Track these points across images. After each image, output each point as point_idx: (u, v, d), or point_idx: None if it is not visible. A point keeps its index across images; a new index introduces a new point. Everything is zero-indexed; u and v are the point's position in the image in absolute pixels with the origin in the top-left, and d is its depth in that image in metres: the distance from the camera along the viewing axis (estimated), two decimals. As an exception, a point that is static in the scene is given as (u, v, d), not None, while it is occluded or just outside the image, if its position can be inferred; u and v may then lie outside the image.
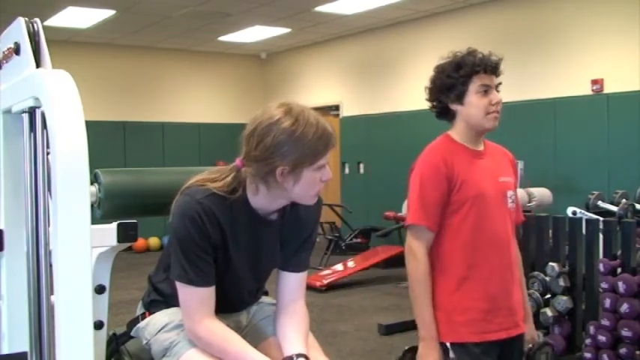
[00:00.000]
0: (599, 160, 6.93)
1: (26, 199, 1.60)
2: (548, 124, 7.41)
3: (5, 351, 1.81)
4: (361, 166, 9.95)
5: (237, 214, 1.75)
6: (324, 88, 10.63)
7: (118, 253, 2.03)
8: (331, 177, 1.74)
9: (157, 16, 8.58)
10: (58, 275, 1.41)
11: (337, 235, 8.70)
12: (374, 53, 9.72)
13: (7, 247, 1.81)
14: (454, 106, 2.27)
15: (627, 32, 6.69)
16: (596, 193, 5.02)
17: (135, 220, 1.96)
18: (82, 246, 1.42)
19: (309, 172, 1.69)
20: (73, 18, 8.50)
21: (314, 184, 1.72)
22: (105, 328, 2.00)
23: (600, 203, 4.93)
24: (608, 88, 6.90)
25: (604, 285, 3.95)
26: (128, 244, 1.98)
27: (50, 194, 1.50)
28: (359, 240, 8.69)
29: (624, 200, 4.63)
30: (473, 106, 2.24)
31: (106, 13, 8.37)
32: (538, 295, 4.34)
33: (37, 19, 1.69)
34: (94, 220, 1.63)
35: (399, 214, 7.69)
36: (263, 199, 1.75)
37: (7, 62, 1.79)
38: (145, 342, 1.85)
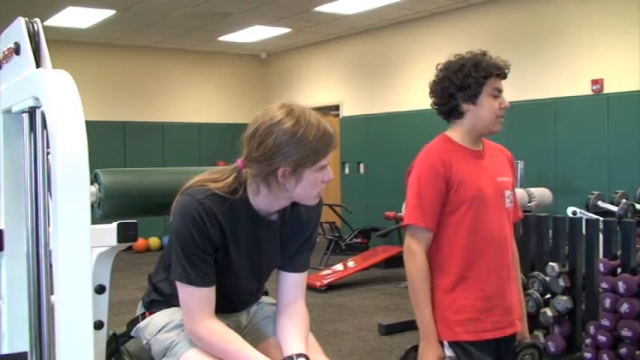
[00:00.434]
0: (599, 160, 6.94)
1: (26, 199, 1.61)
2: (548, 124, 7.41)
3: (5, 351, 1.81)
4: (361, 166, 9.95)
5: (237, 214, 1.75)
6: (324, 88, 10.63)
7: (118, 253, 2.03)
8: (332, 178, 1.75)
9: (157, 16, 8.58)
10: (58, 275, 1.41)
11: (337, 235, 8.70)
12: (374, 53, 9.72)
13: (7, 247, 1.81)
14: (466, 106, 2.27)
15: (627, 32, 6.69)
16: (596, 193, 5.02)
17: (135, 220, 1.96)
18: (82, 246, 1.42)
19: (311, 173, 1.69)
20: (73, 18, 8.50)
21: (315, 185, 1.72)
22: (105, 328, 2.00)
23: (600, 203, 4.93)
24: (608, 88, 6.90)
25: (604, 285, 3.95)
26: (128, 244, 1.98)
27: (50, 194, 1.50)
28: (359, 240, 8.69)
29: (624, 200, 4.63)
30: (484, 108, 2.26)
31: (106, 13, 8.37)
32: (538, 295, 4.34)
33: (37, 19, 1.69)
34: (94, 220, 1.63)
35: (399, 214, 7.68)
36: (264, 200, 1.75)
37: (7, 62, 1.79)
38: (145, 342, 1.85)
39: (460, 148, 2.29)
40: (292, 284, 1.88)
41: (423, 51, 8.84)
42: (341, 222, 9.12)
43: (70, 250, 1.41)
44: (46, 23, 8.16)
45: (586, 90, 7.08)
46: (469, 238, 2.24)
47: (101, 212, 1.91)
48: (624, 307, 3.78)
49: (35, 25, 1.67)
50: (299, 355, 1.74)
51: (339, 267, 7.49)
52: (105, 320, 2.00)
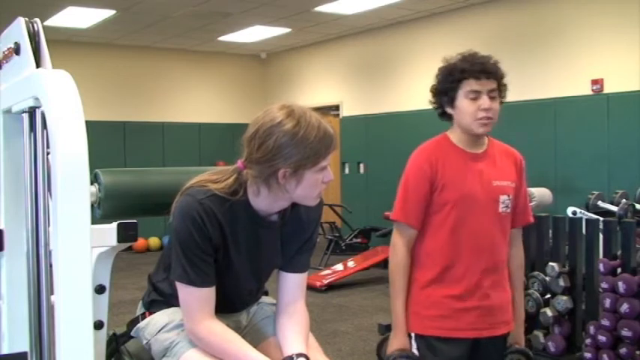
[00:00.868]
0: (599, 160, 6.93)
1: (26, 199, 1.61)
2: (548, 124, 7.41)
3: (5, 351, 1.81)
4: (361, 166, 9.95)
5: (238, 215, 1.75)
6: (324, 88, 10.63)
7: (118, 253, 2.03)
8: (333, 178, 1.75)
9: (157, 16, 8.58)
10: (58, 275, 1.41)
11: (337, 235, 8.70)
12: (374, 53, 9.72)
13: (7, 247, 1.81)
14: (450, 109, 2.31)
15: (627, 32, 6.69)
16: (596, 193, 5.02)
17: (135, 220, 1.96)
18: (82, 246, 1.42)
19: (311, 174, 1.69)
20: (73, 18, 8.50)
21: (316, 186, 1.73)
22: (105, 328, 2.00)
23: (600, 203, 4.93)
24: (608, 88, 6.90)
25: (604, 285, 3.95)
26: (128, 244, 1.98)
27: (50, 194, 1.50)
28: (359, 240, 8.69)
29: (624, 200, 4.63)
30: (462, 111, 2.26)
31: (106, 13, 8.37)
32: (538, 295, 4.34)
33: (37, 19, 1.69)
34: (94, 220, 1.63)
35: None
36: (264, 201, 1.75)
37: (7, 62, 1.79)
38: (145, 342, 1.85)
39: (455, 150, 2.31)
40: (292, 284, 1.88)
41: (423, 51, 8.84)
42: (341, 222, 9.12)
43: (70, 250, 1.41)
44: (46, 23, 8.16)
45: (586, 90, 7.08)
46: (449, 239, 2.28)
47: (101, 212, 1.91)
48: (624, 307, 3.78)
49: (35, 25, 1.67)
50: (299, 355, 1.74)
51: (339, 267, 7.49)
52: (105, 320, 2.00)
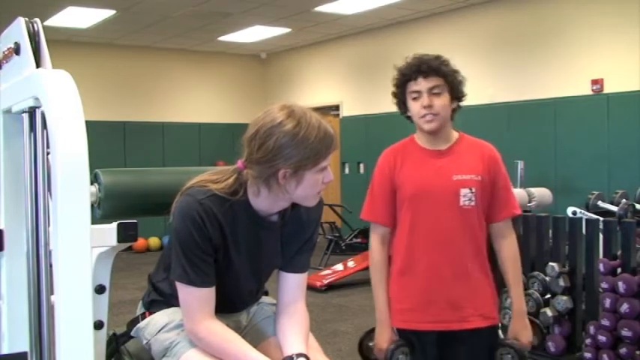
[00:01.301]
0: (599, 160, 6.94)
1: (26, 199, 1.60)
2: (548, 124, 7.41)
3: (5, 351, 1.81)
4: (361, 166, 9.95)
5: (238, 215, 1.75)
6: (324, 88, 10.63)
7: (118, 253, 2.03)
8: (333, 179, 1.75)
9: (157, 16, 8.58)
10: (58, 275, 1.41)
11: (337, 235, 8.70)
12: (374, 53, 9.72)
13: (7, 247, 1.81)
14: (408, 112, 2.43)
15: (627, 32, 6.70)
16: (596, 193, 5.02)
17: (135, 220, 1.96)
18: (82, 246, 1.42)
19: (311, 175, 1.69)
20: (73, 18, 8.50)
21: (316, 186, 1.73)
22: (105, 328, 2.00)
23: (600, 203, 4.93)
24: (608, 88, 6.90)
25: (604, 285, 3.95)
26: (128, 244, 1.98)
27: (50, 194, 1.50)
28: (359, 240, 8.68)
29: (624, 200, 4.63)
30: (410, 111, 2.39)
31: (106, 13, 8.37)
32: (538, 295, 4.34)
33: (37, 19, 1.68)
34: (94, 220, 1.63)
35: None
36: (264, 201, 1.75)
37: (7, 62, 1.78)
38: (145, 342, 1.85)
39: (416, 149, 2.42)
40: (292, 284, 1.88)
41: (422, 51, 8.75)
42: (341, 222, 9.11)
43: (70, 250, 1.41)
44: (46, 23, 8.16)
45: (586, 90, 7.08)
46: (409, 234, 2.38)
47: (101, 212, 1.91)
48: (624, 307, 3.78)
49: (35, 25, 1.67)
50: (299, 355, 1.74)
51: (339, 267, 7.48)
52: (105, 320, 2.00)
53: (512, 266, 2.45)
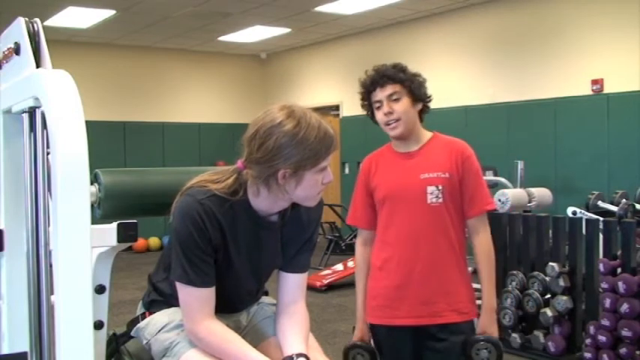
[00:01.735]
0: (599, 160, 6.94)
1: (26, 199, 1.60)
2: (548, 124, 7.41)
3: (5, 351, 1.81)
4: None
5: (238, 215, 1.75)
6: (324, 88, 10.63)
7: (118, 253, 2.03)
8: (332, 179, 1.75)
9: (157, 16, 8.58)
10: (58, 275, 1.41)
11: (337, 235, 8.70)
12: (374, 53, 9.71)
13: (7, 247, 1.80)
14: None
15: (627, 32, 6.70)
16: (596, 193, 5.02)
17: (135, 220, 1.96)
18: (82, 246, 1.42)
19: (311, 175, 1.69)
20: (73, 18, 8.50)
21: (315, 187, 1.73)
22: (105, 328, 2.00)
23: (600, 203, 4.93)
24: (608, 88, 6.90)
25: (604, 285, 3.95)
26: (128, 244, 1.98)
27: (50, 194, 1.50)
28: (359, 240, 8.67)
29: (624, 200, 4.63)
30: (377, 120, 2.49)
31: (106, 13, 8.37)
32: (538, 295, 4.34)
33: (37, 19, 1.68)
34: (94, 220, 1.63)
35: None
36: (264, 201, 1.75)
37: (7, 62, 1.78)
38: (145, 342, 1.85)
39: (390, 153, 2.54)
40: (292, 284, 1.88)
41: (423, 51, 8.83)
42: (341, 222, 9.11)
43: (70, 250, 1.41)
44: (46, 23, 8.16)
45: (586, 90, 7.08)
46: (383, 233, 2.49)
47: (101, 212, 1.91)
48: (624, 307, 3.78)
49: (35, 25, 1.66)
50: (299, 355, 1.74)
51: (339, 267, 7.48)
52: (105, 320, 2.00)
53: (484, 262, 2.48)
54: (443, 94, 8.29)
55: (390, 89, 2.41)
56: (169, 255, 1.76)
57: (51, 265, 1.53)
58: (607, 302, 3.88)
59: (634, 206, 4.53)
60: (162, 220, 7.87)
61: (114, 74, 10.36)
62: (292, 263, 1.88)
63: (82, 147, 1.43)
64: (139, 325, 1.89)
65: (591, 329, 4.02)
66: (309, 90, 10.83)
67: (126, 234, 1.93)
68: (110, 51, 10.32)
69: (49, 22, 8.44)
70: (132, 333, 1.92)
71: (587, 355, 4.02)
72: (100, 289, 1.97)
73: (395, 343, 2.48)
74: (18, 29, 1.68)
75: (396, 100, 2.41)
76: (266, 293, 2.06)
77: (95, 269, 1.94)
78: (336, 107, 10.42)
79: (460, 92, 8.28)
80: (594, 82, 6.98)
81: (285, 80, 11.34)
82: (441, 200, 2.40)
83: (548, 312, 4.27)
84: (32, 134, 1.59)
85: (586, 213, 4.76)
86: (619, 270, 3.97)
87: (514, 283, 4.49)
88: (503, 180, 6.29)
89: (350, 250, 8.42)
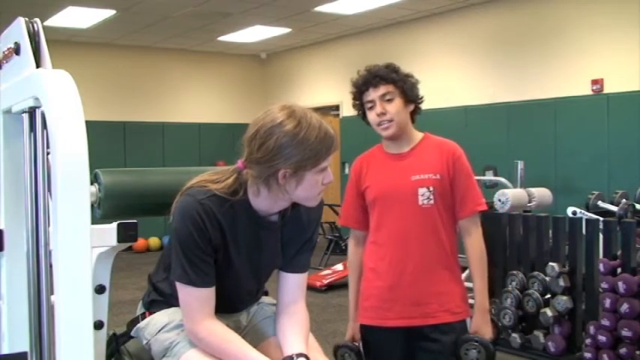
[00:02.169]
0: (599, 160, 6.94)
1: (26, 199, 1.60)
2: (548, 124, 7.40)
3: (5, 351, 1.81)
4: (361, 166, 9.93)
5: (238, 215, 1.75)
6: (324, 88, 10.63)
7: (118, 253, 2.03)
8: (332, 180, 1.75)
9: (157, 16, 8.58)
10: (58, 275, 1.41)
11: (337, 235, 8.70)
12: (374, 53, 9.70)
13: (7, 247, 1.80)
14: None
15: (627, 32, 6.69)
16: (596, 193, 5.02)
17: (135, 220, 1.96)
18: (82, 246, 1.42)
19: (311, 175, 1.69)
20: (73, 18, 8.50)
21: (316, 187, 1.73)
22: (105, 328, 2.00)
23: (600, 203, 4.93)
24: (608, 88, 6.90)
25: (604, 285, 3.95)
26: (128, 244, 1.98)
27: (50, 194, 1.50)
28: (359, 240, 8.68)
29: (624, 200, 4.63)
30: (369, 121, 2.50)
31: (106, 13, 8.37)
32: (538, 295, 4.34)
33: (37, 19, 1.68)
34: (94, 220, 1.63)
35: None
36: (264, 201, 1.75)
37: (7, 62, 1.78)
38: (145, 342, 1.85)
39: (381, 154, 2.54)
40: (292, 284, 1.88)
41: (423, 51, 8.83)
42: (341, 222, 9.12)
43: (70, 250, 1.41)
44: (46, 23, 8.16)
45: (586, 90, 7.08)
46: (374, 235, 2.49)
47: (101, 212, 1.91)
48: (624, 307, 3.78)
49: (35, 25, 1.66)
50: (299, 355, 1.74)
51: (339, 267, 7.48)
52: (105, 320, 2.00)
53: (476, 263, 2.48)
54: (443, 94, 8.31)
55: (383, 89, 2.42)
56: (169, 255, 1.76)
57: (51, 265, 1.53)
58: (607, 302, 3.88)
59: (634, 206, 4.53)
60: (162, 220, 7.86)
61: (114, 74, 10.35)
62: (292, 263, 1.88)
63: (82, 147, 1.43)
64: (139, 325, 1.89)
65: (591, 329, 4.02)
66: (309, 90, 10.83)
67: (126, 234, 1.93)
68: (110, 51, 10.31)
69: (49, 22, 8.44)
70: (132, 333, 1.92)
71: (587, 355, 4.02)
72: (100, 289, 1.97)
73: (386, 345, 2.48)
74: (18, 29, 1.68)
75: (389, 100, 2.42)
76: (266, 293, 2.06)
77: (95, 269, 1.94)
78: (336, 107, 10.42)
79: (460, 92, 8.28)
80: (594, 82, 6.98)
81: (285, 80, 11.33)
82: (432, 202, 2.40)
83: (548, 312, 4.27)
84: (32, 134, 1.59)
85: (586, 213, 4.76)
86: (619, 270, 3.97)
87: (514, 283, 4.49)
88: (503, 180, 6.29)
89: (350, 250, 8.43)
